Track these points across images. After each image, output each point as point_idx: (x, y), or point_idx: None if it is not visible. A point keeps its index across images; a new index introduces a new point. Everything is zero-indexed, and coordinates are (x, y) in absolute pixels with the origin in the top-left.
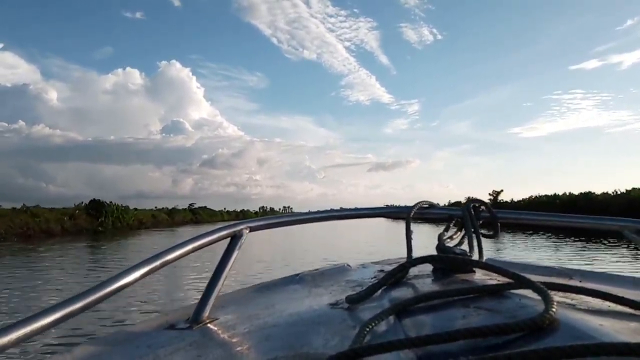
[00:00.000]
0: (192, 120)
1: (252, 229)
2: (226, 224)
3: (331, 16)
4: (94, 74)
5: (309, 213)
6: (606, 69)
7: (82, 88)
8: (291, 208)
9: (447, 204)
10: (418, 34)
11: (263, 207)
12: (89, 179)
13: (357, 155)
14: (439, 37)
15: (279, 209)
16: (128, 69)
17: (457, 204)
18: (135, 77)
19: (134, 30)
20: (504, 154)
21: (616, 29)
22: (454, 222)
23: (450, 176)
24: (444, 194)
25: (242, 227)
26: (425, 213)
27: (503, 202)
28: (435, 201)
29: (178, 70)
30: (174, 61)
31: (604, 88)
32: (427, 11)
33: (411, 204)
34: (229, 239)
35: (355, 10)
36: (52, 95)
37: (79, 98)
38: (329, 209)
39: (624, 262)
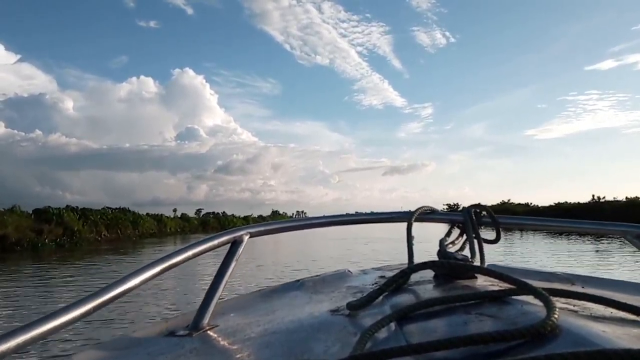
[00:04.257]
0: (206, 126)
1: (252, 235)
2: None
3: (343, 21)
4: (109, 82)
5: (310, 218)
6: (622, 69)
7: (97, 97)
8: (305, 213)
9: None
10: (431, 37)
11: (276, 211)
12: (104, 187)
13: (371, 160)
14: (452, 40)
15: (292, 214)
16: (142, 77)
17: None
18: (149, 85)
19: (148, 39)
20: (519, 157)
21: (631, 29)
22: (455, 227)
23: (465, 179)
24: (460, 198)
25: (242, 232)
26: (427, 218)
27: None
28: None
29: (191, 77)
30: (187, 69)
31: (620, 88)
32: (439, 14)
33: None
34: (229, 244)
35: (367, 15)
36: (68, 104)
37: (94, 107)
38: (341, 213)
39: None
